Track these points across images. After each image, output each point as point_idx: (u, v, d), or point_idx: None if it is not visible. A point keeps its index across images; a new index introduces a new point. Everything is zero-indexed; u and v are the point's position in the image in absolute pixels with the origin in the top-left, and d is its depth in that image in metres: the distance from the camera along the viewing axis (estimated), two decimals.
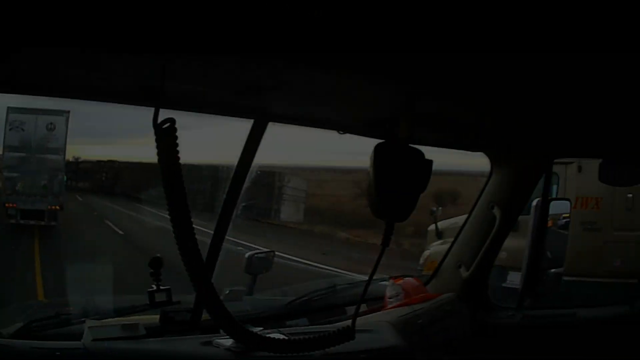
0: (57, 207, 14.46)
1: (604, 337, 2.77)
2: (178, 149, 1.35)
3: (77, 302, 3.04)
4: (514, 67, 1.22)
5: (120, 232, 14.21)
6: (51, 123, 14.37)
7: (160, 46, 1.12)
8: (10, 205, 14.18)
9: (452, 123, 1.90)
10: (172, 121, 1.30)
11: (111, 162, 21.85)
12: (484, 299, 2.85)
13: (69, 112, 14.06)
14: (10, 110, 14.03)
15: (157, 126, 1.29)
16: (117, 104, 1.71)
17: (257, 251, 2.72)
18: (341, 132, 2.02)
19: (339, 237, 13.34)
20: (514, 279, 5.85)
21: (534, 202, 2.89)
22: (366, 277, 2.11)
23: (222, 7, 0.95)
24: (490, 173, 2.76)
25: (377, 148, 1.55)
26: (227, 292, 2.36)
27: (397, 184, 1.57)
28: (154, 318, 2.18)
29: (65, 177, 19.37)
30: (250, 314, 2.26)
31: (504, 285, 6.11)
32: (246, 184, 2.08)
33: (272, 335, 1.79)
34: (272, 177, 15.31)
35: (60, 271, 8.81)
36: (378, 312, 2.42)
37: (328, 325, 2.20)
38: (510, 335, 2.81)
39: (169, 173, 1.33)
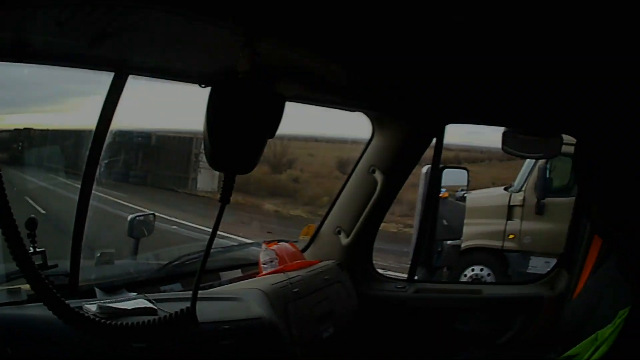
0: None
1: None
2: None
3: None
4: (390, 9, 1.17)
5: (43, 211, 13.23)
6: None
7: None
8: None
9: (326, 80, 1.83)
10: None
11: (27, 131, 20.61)
12: (369, 268, 2.81)
13: None
14: None
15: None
16: None
17: (138, 214, 2.67)
18: (203, 86, 1.87)
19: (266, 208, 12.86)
20: (537, 264, 6.18)
21: (424, 169, 2.88)
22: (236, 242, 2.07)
23: None
24: (372, 136, 2.68)
25: (214, 87, 1.32)
26: (99, 254, 2.28)
27: (236, 128, 1.32)
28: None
29: None
30: (124, 278, 2.22)
31: (527, 271, 6.28)
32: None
33: (133, 302, 1.69)
34: (189, 144, 14.48)
35: None
36: (251, 279, 2.35)
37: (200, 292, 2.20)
38: (398, 309, 2.77)
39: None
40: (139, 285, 2.18)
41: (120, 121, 2.02)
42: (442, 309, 2.81)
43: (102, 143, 1.94)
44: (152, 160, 14.37)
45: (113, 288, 2.11)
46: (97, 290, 2.08)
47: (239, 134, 1.32)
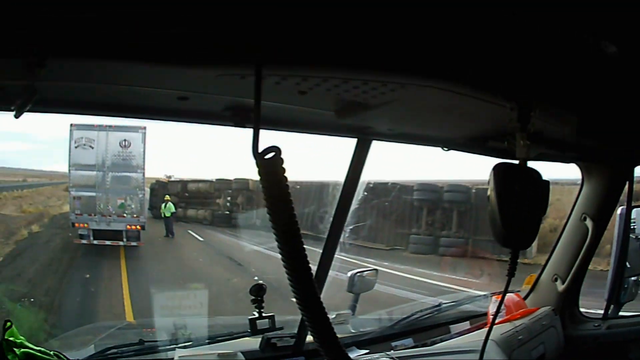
0: (138, 227, 13.91)
1: None
2: (285, 177, 1.18)
3: (164, 327, 3.10)
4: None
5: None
6: (125, 140, 13.83)
7: (250, 58, 1.08)
8: (81, 225, 13.65)
9: (552, 137, 1.87)
10: (276, 150, 1.14)
11: (239, 182, 21.13)
12: (575, 311, 2.86)
13: (144, 128, 13.67)
14: (74, 127, 13.58)
15: (258, 155, 1.14)
16: (205, 124, 1.74)
17: (360, 270, 2.72)
18: (445, 149, 2.01)
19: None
20: None
21: (618, 211, 2.88)
22: (469, 293, 2.08)
23: (330, 20, 0.98)
24: (582, 184, 2.75)
25: (497, 170, 1.37)
26: (334, 316, 2.37)
27: (521, 209, 1.39)
28: (249, 342, 2.26)
29: (150, 196, 19.34)
30: (356, 335, 2.30)
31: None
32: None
33: None
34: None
35: (149, 294, 8.81)
36: (481, 330, 2.45)
37: (433, 347, 2.25)
38: (596, 347, 2.80)
39: (274, 204, 1.18)
40: (370, 342, 2.26)
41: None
42: (633, 341, 2.81)
43: (350, 204, 2.05)
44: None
45: (344, 346, 2.13)
46: None
47: (526, 215, 1.40)
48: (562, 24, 1.09)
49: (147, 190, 18.83)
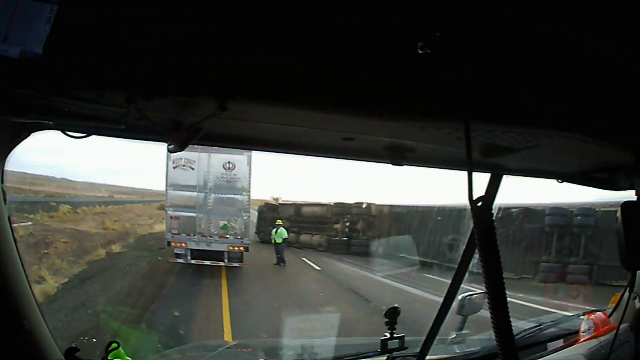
0: (242, 249, 13.92)
1: None
2: (493, 222, 1.56)
3: (266, 346, 3.42)
4: None
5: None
6: (229, 162, 13.99)
7: (462, 116, 1.30)
8: (178, 244, 13.83)
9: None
10: (487, 199, 1.56)
11: (359, 206, 20.31)
12: None
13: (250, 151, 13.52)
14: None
15: (472, 202, 1.42)
16: (365, 161, 1.91)
17: (470, 293, 2.83)
18: (560, 181, 2.22)
19: None
20: None
21: None
22: (565, 313, 2.33)
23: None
24: None
25: (624, 206, 1.72)
26: (454, 335, 2.67)
27: None
28: None
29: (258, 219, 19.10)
30: (468, 354, 2.63)
31: None
32: None
33: None
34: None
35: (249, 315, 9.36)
36: (573, 346, 2.70)
37: None
38: None
39: (484, 246, 1.52)
40: None
41: None
42: None
43: None
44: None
45: None
46: None
47: None
48: None
49: (254, 212, 18.44)
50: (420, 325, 2.66)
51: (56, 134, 1.51)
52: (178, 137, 1.42)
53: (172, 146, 1.45)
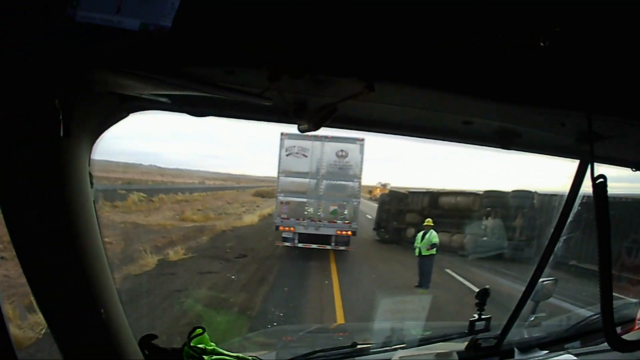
0: (349, 233, 14.54)
1: None
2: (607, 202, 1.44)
3: (376, 329, 3.34)
4: None
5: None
6: (342, 150, 14.59)
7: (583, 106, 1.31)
8: (286, 228, 14.64)
9: None
10: (604, 178, 1.42)
11: (520, 195, 15.84)
12: None
13: (363, 140, 14.35)
14: (285, 136, 14.57)
15: (593, 180, 1.41)
16: (477, 146, 1.91)
17: (544, 279, 2.76)
18: (634, 170, 2.12)
19: None
20: None
21: None
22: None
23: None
24: None
25: None
26: (532, 318, 2.77)
27: None
28: (463, 345, 2.54)
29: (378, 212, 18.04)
30: (539, 337, 2.69)
31: None
32: None
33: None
34: None
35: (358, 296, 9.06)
36: (631, 332, 2.70)
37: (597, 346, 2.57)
38: None
39: (600, 225, 1.44)
40: (549, 344, 2.67)
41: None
42: None
43: (565, 222, 2.27)
44: None
45: (529, 347, 2.62)
46: (515, 349, 2.60)
47: None
48: None
49: (368, 202, 17.49)
50: None
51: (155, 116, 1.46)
52: (312, 117, 1.42)
53: (304, 126, 1.44)
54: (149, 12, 1.02)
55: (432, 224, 12.45)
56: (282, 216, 14.94)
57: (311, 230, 14.75)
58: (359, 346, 2.37)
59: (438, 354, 2.40)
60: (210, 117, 1.58)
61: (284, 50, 1.11)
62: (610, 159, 2.09)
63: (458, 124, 1.68)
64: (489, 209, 15.80)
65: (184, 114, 1.53)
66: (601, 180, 1.43)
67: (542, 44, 1.20)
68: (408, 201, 17.88)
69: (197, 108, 1.54)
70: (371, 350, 2.42)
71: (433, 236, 12.16)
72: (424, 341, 2.54)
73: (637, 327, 2.80)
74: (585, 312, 3.09)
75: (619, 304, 3.28)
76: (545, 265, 2.41)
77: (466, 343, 2.55)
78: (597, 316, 2.86)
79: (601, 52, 1.25)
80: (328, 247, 14.65)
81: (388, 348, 2.46)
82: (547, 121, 1.55)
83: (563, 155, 2.05)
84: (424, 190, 18.28)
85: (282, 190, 15.06)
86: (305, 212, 14.84)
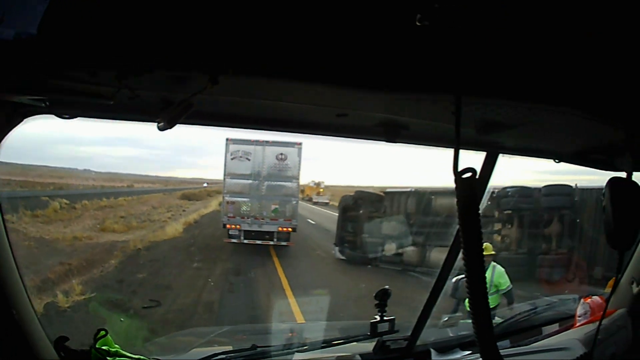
0: (289, 229, 15.66)
1: None
2: (477, 196, 1.41)
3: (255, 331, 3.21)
4: None
5: None
6: (281, 153, 15.73)
7: (452, 90, 1.27)
8: (233, 226, 15.71)
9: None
10: (473, 171, 1.33)
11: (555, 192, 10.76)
12: None
13: (300, 143, 15.58)
14: (230, 141, 15.75)
15: (457, 174, 1.32)
16: (359, 140, 1.89)
17: (463, 276, 2.84)
18: (557, 161, 2.19)
19: None
20: None
21: None
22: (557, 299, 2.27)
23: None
24: None
25: (612, 183, 1.63)
26: (446, 318, 2.67)
27: (631, 218, 1.61)
28: (365, 346, 2.47)
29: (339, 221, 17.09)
30: (461, 337, 2.59)
31: None
32: None
33: None
34: None
35: None
36: (569, 330, 2.70)
37: (527, 347, 2.49)
38: None
39: (466, 221, 1.35)
40: (472, 344, 2.53)
41: None
42: None
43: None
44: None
45: (447, 348, 2.50)
46: (432, 350, 2.47)
47: (634, 223, 1.65)
48: None
49: (302, 202, 19.22)
50: None
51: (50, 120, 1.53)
52: (168, 114, 1.39)
53: (162, 124, 1.41)
54: (23, 22, 1.07)
55: (492, 252, 7.25)
56: (229, 215, 15.97)
57: (255, 228, 15.81)
58: (259, 349, 2.32)
59: (339, 357, 2.31)
60: (79, 118, 1.59)
61: (128, 50, 1.12)
62: (522, 150, 2.14)
63: (332, 117, 1.64)
64: (506, 214, 11.99)
65: (64, 118, 1.56)
66: (468, 174, 1.33)
67: (418, 24, 1.11)
68: (384, 205, 14.75)
69: (70, 110, 1.54)
70: (272, 353, 2.36)
71: (498, 274, 6.93)
72: (326, 343, 2.47)
73: (577, 324, 2.77)
74: (517, 309, 3.10)
75: (558, 301, 3.28)
76: (454, 262, 2.30)
77: (373, 345, 2.46)
78: (528, 312, 2.87)
79: (479, 31, 1.18)
80: (271, 242, 15.80)
81: (288, 350, 2.41)
82: (428, 110, 1.49)
83: (470, 147, 2.02)
84: (408, 190, 14.43)
85: (228, 191, 16.23)
86: (250, 211, 15.92)
